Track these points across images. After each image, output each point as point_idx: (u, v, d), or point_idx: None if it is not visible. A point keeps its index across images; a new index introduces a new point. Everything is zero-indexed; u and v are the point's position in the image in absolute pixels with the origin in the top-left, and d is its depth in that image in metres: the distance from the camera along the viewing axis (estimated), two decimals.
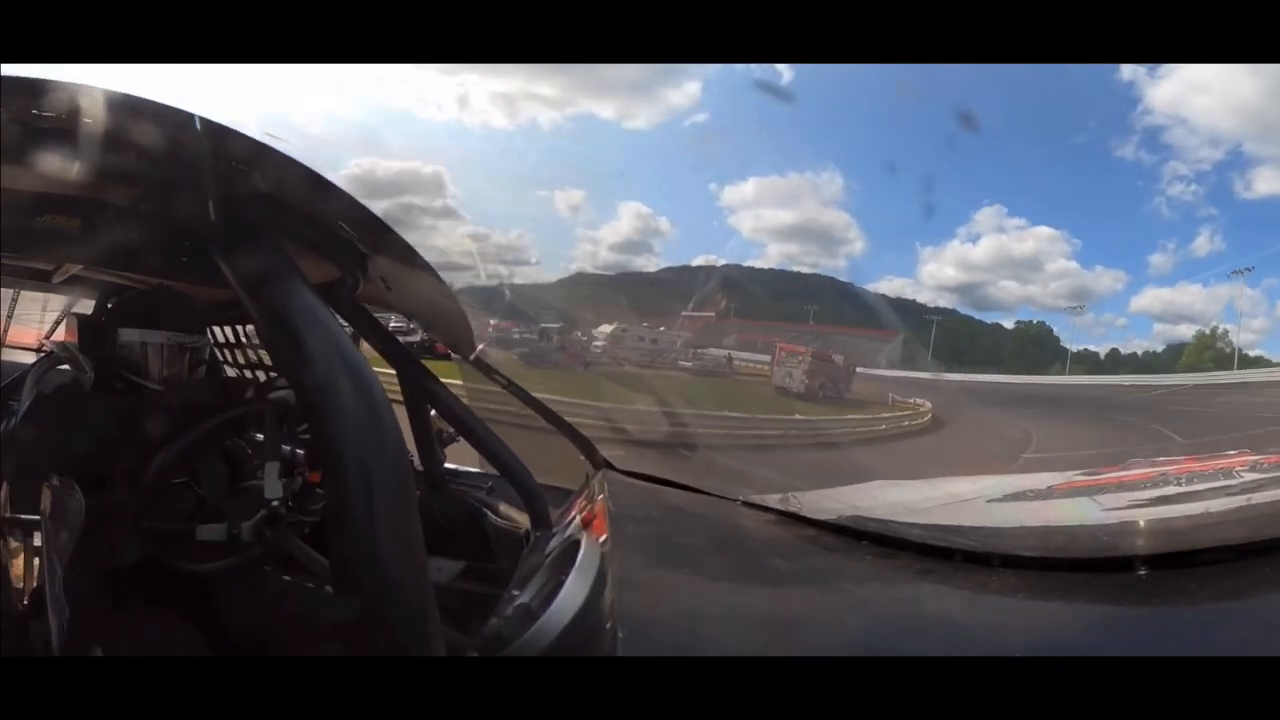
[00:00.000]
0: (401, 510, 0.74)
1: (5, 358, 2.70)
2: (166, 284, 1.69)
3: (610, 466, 1.67)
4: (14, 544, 1.54)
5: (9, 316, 2.89)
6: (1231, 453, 1.65)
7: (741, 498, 1.37)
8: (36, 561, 1.48)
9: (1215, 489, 1.20)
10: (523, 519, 1.86)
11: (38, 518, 1.31)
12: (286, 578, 1.60)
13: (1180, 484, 1.27)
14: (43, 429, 1.54)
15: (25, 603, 1.43)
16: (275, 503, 1.40)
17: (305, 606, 1.52)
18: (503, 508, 2.03)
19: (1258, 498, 1.10)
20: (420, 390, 1.92)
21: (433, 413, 2.01)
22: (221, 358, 2.37)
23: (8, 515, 1.45)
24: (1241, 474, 1.30)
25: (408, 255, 1.40)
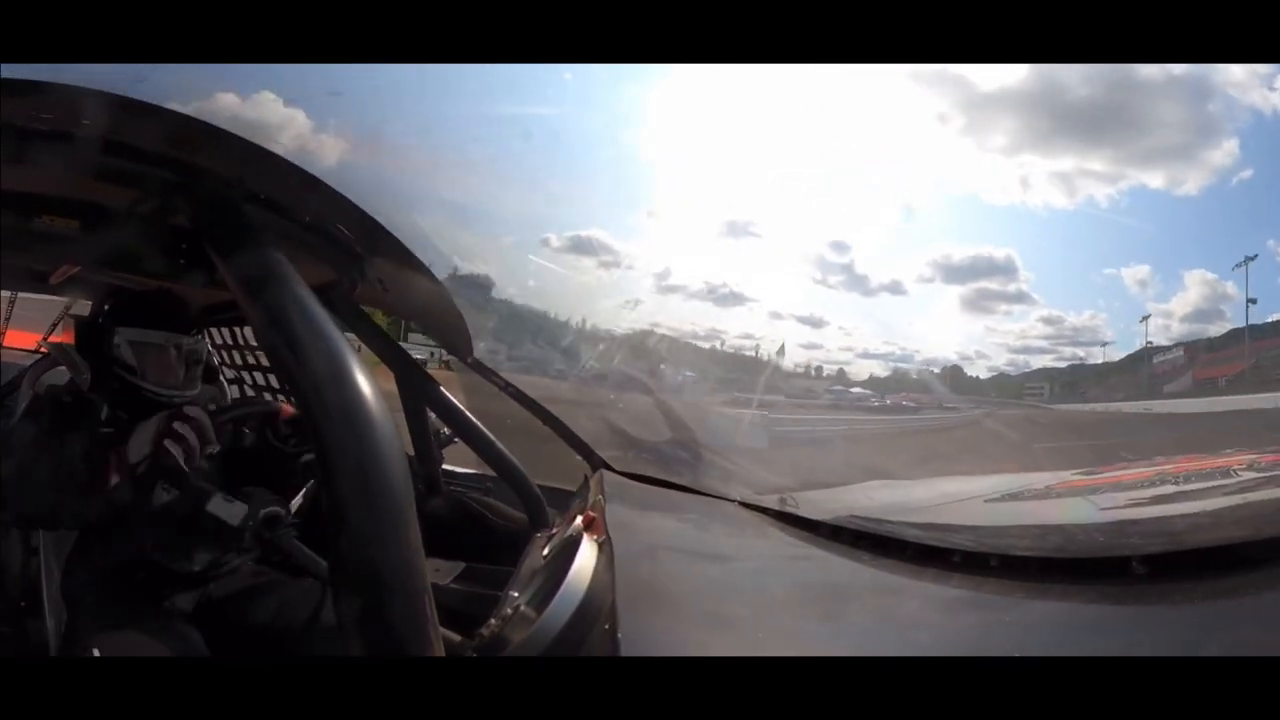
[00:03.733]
0: (399, 511, 0.74)
1: (4, 359, 2.70)
2: (164, 285, 1.69)
3: (608, 467, 1.67)
4: (11, 545, 1.54)
5: (7, 319, 2.88)
6: (1229, 451, 1.65)
7: (739, 498, 1.37)
8: (33, 562, 1.48)
9: (1213, 488, 1.20)
10: (521, 520, 1.87)
11: None
12: (284, 578, 1.60)
13: (1178, 483, 1.26)
14: (39, 430, 1.54)
15: (22, 604, 1.43)
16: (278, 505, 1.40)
17: (303, 607, 1.52)
18: (501, 509, 2.03)
19: (1256, 496, 1.10)
20: (418, 392, 1.93)
21: (430, 414, 2.01)
22: (219, 359, 2.37)
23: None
24: (1239, 473, 1.29)
25: (404, 257, 1.41)
